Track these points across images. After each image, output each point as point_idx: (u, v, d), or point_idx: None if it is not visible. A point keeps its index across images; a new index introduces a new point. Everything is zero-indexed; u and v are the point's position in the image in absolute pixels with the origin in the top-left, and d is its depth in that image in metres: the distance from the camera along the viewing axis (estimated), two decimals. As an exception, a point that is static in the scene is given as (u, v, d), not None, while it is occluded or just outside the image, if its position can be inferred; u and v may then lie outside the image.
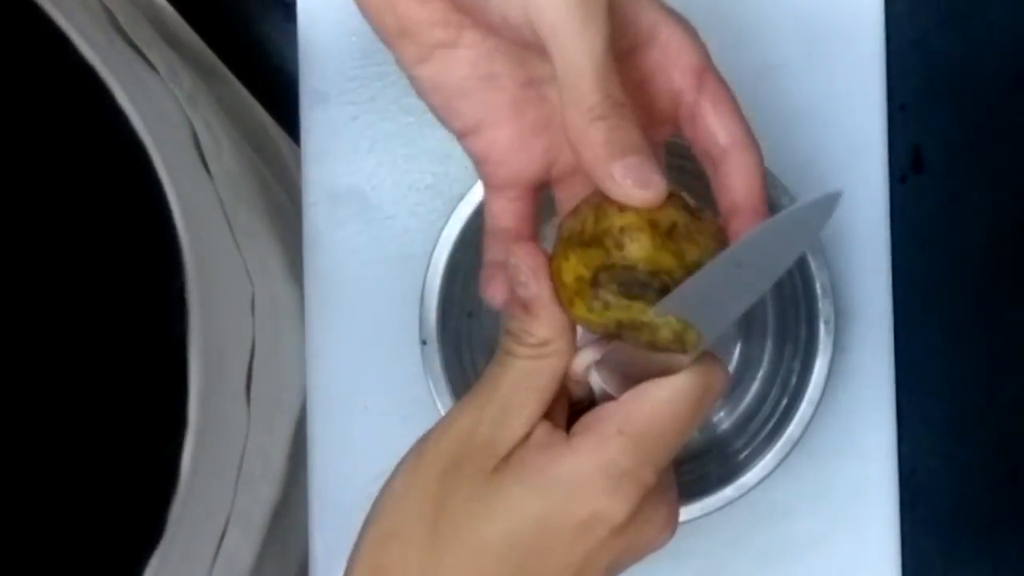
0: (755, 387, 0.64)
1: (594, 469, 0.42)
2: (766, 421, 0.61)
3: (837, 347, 0.58)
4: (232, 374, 0.62)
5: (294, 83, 0.66)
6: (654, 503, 0.43)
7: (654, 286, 0.41)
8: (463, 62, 0.45)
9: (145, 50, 0.63)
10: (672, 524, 0.44)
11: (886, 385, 0.65)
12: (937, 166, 0.66)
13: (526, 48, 0.43)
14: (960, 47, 0.66)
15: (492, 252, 0.48)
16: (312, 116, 0.66)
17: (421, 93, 0.47)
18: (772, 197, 0.58)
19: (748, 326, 0.65)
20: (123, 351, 0.51)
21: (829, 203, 0.39)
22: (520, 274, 0.43)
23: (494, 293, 0.47)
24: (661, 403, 0.42)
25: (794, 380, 0.60)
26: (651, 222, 0.41)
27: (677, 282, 0.41)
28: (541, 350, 0.43)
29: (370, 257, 0.66)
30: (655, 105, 0.46)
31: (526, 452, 0.42)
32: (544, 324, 0.43)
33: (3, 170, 0.45)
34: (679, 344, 0.41)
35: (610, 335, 0.43)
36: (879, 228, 0.65)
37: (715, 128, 0.45)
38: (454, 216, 0.59)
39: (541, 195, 0.48)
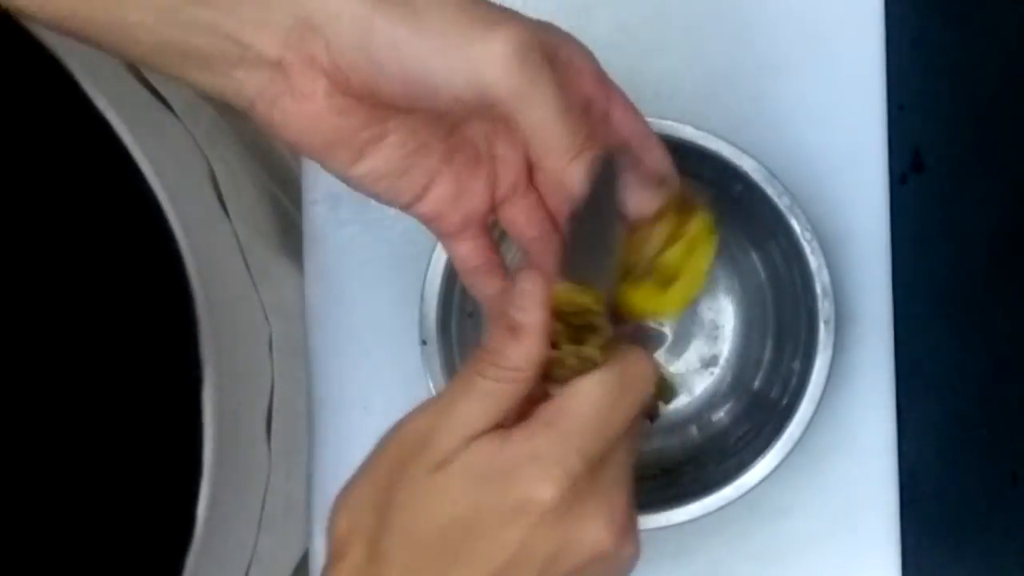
0: (755, 387, 0.64)
1: (523, 456, 0.44)
2: (766, 421, 0.61)
3: (837, 347, 0.58)
4: (251, 417, 0.62)
5: (294, 83, 0.66)
6: (590, 497, 0.44)
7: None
8: (394, 147, 0.48)
9: (161, 89, 0.63)
10: (617, 530, 0.45)
11: (886, 384, 0.65)
12: (937, 166, 0.66)
13: (473, 114, 0.47)
14: (960, 47, 0.66)
15: (484, 289, 0.51)
16: (312, 116, 0.66)
17: (361, 189, 0.49)
18: (770, 196, 0.58)
19: (748, 326, 0.65)
20: (135, 402, 0.51)
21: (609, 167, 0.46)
22: (524, 300, 0.45)
23: (484, 284, 0.50)
24: (584, 395, 0.45)
25: (794, 380, 0.60)
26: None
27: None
28: (510, 374, 0.45)
29: (370, 257, 0.66)
30: None
31: (469, 451, 0.44)
32: (523, 352, 0.45)
33: (11, 222, 0.46)
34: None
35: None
36: (879, 228, 0.65)
37: (625, 126, 0.49)
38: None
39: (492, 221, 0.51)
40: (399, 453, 0.45)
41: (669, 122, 0.58)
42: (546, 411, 0.45)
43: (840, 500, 0.65)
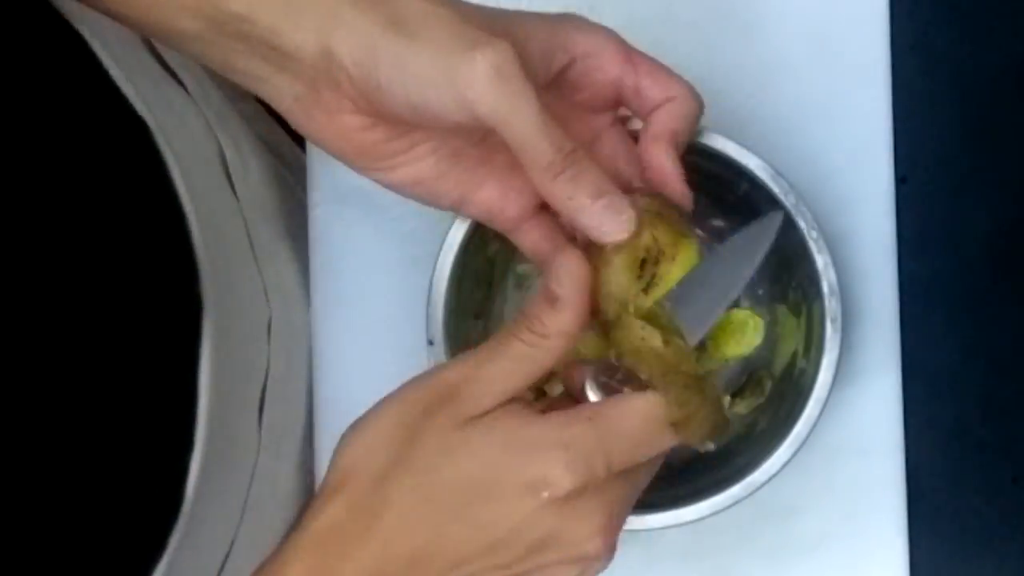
0: (762, 386, 0.64)
1: (555, 439, 0.45)
2: (773, 420, 0.61)
3: (844, 346, 0.58)
4: (245, 399, 0.62)
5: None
6: (594, 502, 0.46)
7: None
8: (426, 154, 0.50)
9: (175, 68, 0.63)
10: (605, 541, 0.46)
11: (893, 383, 0.65)
12: (937, 166, 0.66)
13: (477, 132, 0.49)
14: (960, 48, 0.67)
15: (565, 270, 0.49)
16: (316, 117, 0.66)
17: (402, 193, 0.51)
18: (776, 194, 0.58)
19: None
20: (133, 372, 0.51)
21: (772, 224, 0.49)
22: (563, 276, 0.46)
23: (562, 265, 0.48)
24: (634, 409, 0.46)
25: (801, 379, 0.60)
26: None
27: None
28: (544, 342, 0.46)
29: (376, 258, 0.66)
30: (599, 97, 0.51)
31: (498, 415, 0.46)
32: (559, 322, 0.46)
33: (25, 191, 0.46)
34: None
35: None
36: (885, 226, 0.65)
37: (657, 95, 0.51)
38: (460, 217, 0.59)
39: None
40: (428, 399, 0.46)
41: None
42: (589, 408, 0.46)
43: (848, 499, 0.65)
